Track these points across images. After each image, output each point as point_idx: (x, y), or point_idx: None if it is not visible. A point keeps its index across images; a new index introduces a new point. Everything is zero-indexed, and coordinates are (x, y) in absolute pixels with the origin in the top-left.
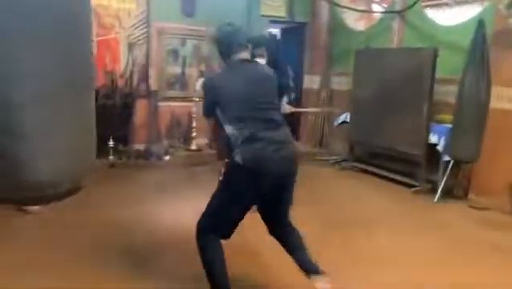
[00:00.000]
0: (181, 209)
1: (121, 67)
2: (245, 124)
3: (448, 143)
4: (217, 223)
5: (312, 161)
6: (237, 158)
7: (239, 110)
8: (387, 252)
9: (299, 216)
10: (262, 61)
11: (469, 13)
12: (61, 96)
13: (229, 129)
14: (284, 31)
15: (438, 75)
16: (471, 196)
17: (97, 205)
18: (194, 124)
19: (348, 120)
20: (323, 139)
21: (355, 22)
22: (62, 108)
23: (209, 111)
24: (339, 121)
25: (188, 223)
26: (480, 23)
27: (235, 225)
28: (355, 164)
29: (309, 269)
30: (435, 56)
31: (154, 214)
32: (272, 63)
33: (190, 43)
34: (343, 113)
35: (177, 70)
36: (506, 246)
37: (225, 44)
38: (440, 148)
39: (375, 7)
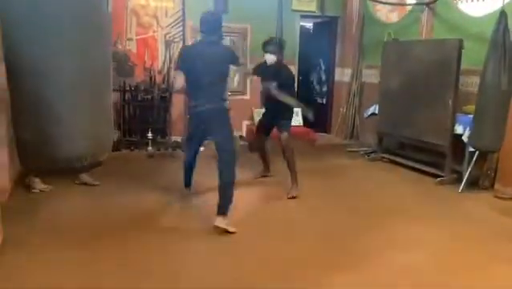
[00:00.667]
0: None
1: (159, 63)
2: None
3: (470, 133)
4: None
5: (343, 153)
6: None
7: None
8: (411, 239)
9: (327, 204)
10: (271, 57)
11: (496, 4)
12: (86, 94)
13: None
14: (316, 25)
15: (464, 66)
16: (497, 186)
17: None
18: None
19: (377, 111)
20: (353, 131)
21: (386, 15)
22: (88, 103)
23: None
24: (369, 113)
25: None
26: (502, 14)
27: None
28: (384, 155)
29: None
30: (460, 47)
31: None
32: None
33: (229, 38)
34: (372, 105)
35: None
36: None
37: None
38: (464, 138)
39: None
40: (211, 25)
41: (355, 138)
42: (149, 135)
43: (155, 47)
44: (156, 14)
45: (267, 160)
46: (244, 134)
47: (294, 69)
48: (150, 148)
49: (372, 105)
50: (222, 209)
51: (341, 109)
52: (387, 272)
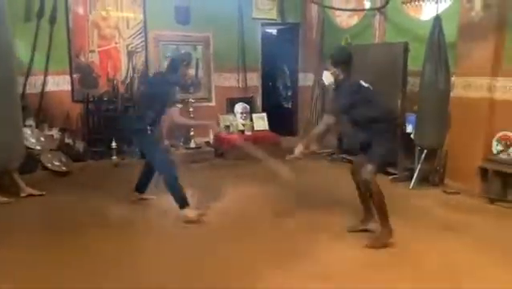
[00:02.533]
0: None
1: (122, 74)
2: None
3: (415, 131)
4: None
5: (307, 155)
6: None
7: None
8: (360, 234)
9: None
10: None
11: (440, 7)
12: None
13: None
14: (280, 31)
15: (413, 67)
16: (447, 181)
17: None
18: None
19: None
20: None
21: (343, 20)
22: None
23: None
24: None
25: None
26: (436, 18)
27: None
28: (344, 156)
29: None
30: (406, 50)
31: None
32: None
33: (199, 47)
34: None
35: (191, 72)
36: (463, 226)
37: None
38: (412, 136)
39: (367, 4)
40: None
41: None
42: (114, 144)
43: (117, 58)
44: (118, 25)
45: (367, 205)
46: (211, 141)
47: (257, 76)
48: (115, 157)
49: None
50: (177, 202)
51: (305, 113)
52: (338, 264)
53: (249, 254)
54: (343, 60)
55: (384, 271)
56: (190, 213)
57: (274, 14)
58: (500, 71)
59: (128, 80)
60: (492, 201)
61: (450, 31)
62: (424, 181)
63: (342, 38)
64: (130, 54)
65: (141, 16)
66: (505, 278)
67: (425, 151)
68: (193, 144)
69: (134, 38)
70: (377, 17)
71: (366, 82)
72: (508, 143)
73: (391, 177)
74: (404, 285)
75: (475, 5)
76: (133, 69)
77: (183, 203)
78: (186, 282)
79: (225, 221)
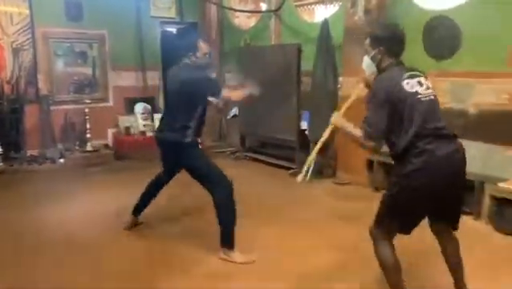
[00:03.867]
0: (65, 209)
1: (7, 73)
2: None
3: (308, 128)
4: None
5: (211, 154)
6: None
7: None
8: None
9: (183, 198)
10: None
11: (329, 11)
12: None
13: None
14: (180, 31)
15: (308, 67)
16: (339, 173)
17: None
18: (88, 126)
19: (237, 113)
20: (220, 132)
21: (242, 21)
22: None
23: None
24: (231, 114)
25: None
26: (324, 21)
27: None
28: (247, 153)
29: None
30: (299, 51)
31: (39, 217)
32: None
33: (96, 45)
34: (234, 107)
35: (88, 71)
36: (352, 215)
37: None
38: (307, 132)
39: (264, 6)
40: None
41: (222, 139)
42: None
43: (1, 56)
44: (1, 21)
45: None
46: (110, 142)
47: (158, 75)
48: (1, 163)
49: (234, 107)
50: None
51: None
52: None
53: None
54: (386, 35)
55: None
56: (238, 256)
57: (173, 13)
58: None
59: (14, 80)
60: (377, 189)
61: (338, 34)
62: (319, 173)
63: (241, 38)
64: (16, 52)
65: (27, 11)
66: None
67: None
68: (89, 147)
69: (19, 34)
70: (273, 19)
71: (264, 82)
72: None
73: (290, 171)
74: (324, 254)
75: (358, 10)
76: (19, 68)
77: (231, 242)
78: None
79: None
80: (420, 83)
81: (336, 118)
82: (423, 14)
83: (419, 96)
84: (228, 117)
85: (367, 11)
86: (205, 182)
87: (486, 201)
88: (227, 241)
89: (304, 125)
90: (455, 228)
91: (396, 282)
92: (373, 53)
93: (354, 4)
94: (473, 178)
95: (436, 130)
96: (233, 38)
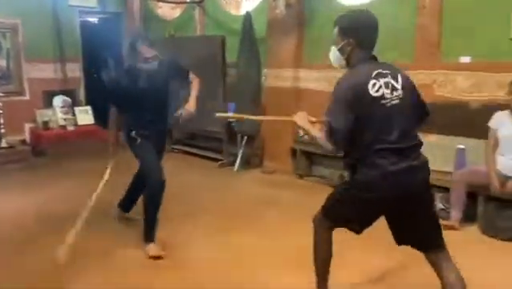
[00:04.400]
0: None
1: None
2: None
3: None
4: None
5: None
6: None
7: None
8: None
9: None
10: None
11: (252, 4)
12: None
13: None
14: (102, 20)
15: (233, 59)
16: (266, 163)
17: None
18: (2, 121)
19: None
20: None
21: (166, 12)
22: None
23: None
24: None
25: None
26: (247, 14)
27: None
28: (175, 146)
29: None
30: (223, 43)
31: None
32: None
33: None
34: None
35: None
36: (274, 201)
37: None
38: (234, 124)
39: None
40: None
41: None
42: None
43: None
44: None
45: None
46: (27, 138)
47: (78, 67)
48: None
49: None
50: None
51: None
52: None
53: None
54: (357, 25)
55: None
56: (153, 249)
57: (93, 2)
58: (302, 63)
59: None
60: (301, 176)
61: (262, 26)
62: (247, 163)
63: (166, 29)
64: None
65: None
66: (299, 231)
67: (245, 137)
68: (4, 144)
69: None
70: (197, 10)
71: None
72: None
73: (219, 163)
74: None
75: (279, 3)
76: None
77: (152, 235)
78: None
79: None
80: (386, 85)
81: (300, 117)
82: (340, 9)
83: (382, 102)
84: None
85: (288, 5)
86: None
87: None
88: (146, 233)
89: None
90: (439, 246)
91: (323, 272)
92: (341, 44)
93: None
94: None
95: (394, 143)
96: (157, 28)
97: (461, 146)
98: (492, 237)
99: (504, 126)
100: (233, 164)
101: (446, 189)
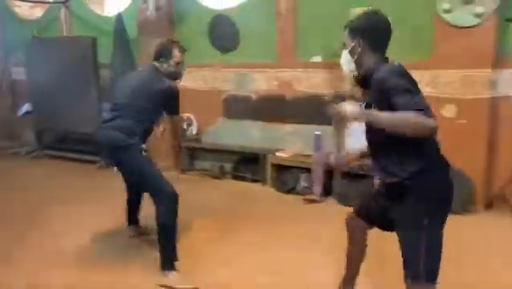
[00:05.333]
0: None
1: None
2: None
3: None
4: None
5: (3, 156)
6: None
7: None
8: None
9: None
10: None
11: (122, 4)
12: None
13: None
14: None
15: (106, 60)
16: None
17: None
18: None
19: (31, 109)
20: (11, 131)
21: (26, 11)
22: None
23: None
24: (23, 111)
25: None
26: (118, 16)
27: None
28: (47, 151)
29: None
30: (94, 44)
31: None
32: None
33: None
34: (25, 103)
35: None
36: None
37: None
38: None
39: None
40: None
41: (15, 139)
42: None
43: None
44: None
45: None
46: None
47: None
48: None
49: (25, 103)
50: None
51: None
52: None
53: None
54: (368, 26)
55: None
56: (176, 281)
57: None
58: None
59: None
60: (183, 171)
61: (133, 28)
62: None
63: (27, 30)
64: None
65: None
66: (186, 218)
67: None
68: None
69: None
70: (63, 10)
71: (59, 75)
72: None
73: (97, 164)
74: None
75: (150, 5)
76: None
77: (171, 262)
78: None
79: None
80: None
81: (350, 107)
82: (207, 12)
83: None
84: (19, 114)
85: (158, 7)
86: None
87: (268, 169)
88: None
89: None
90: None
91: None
92: (352, 46)
93: (145, 0)
94: (259, 152)
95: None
96: (17, 29)
97: (318, 132)
98: (346, 206)
99: None
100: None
101: (308, 170)
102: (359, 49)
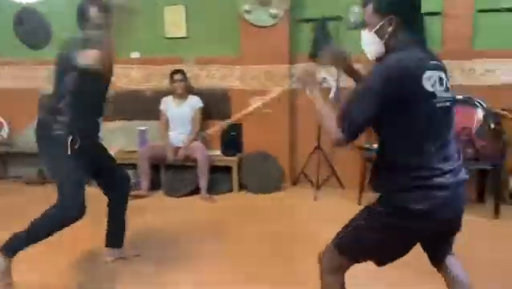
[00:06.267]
0: None
1: None
2: None
3: None
4: None
5: None
6: None
7: None
8: None
9: None
10: None
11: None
12: None
13: None
14: None
15: None
16: None
17: None
18: None
19: None
20: None
21: None
22: None
23: None
24: None
25: None
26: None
27: None
28: None
29: None
30: None
31: None
32: None
33: None
34: None
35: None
36: None
37: None
38: None
39: None
40: None
41: None
42: None
43: None
44: None
45: None
46: None
47: None
48: None
49: None
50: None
51: None
52: None
53: None
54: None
55: None
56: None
57: None
58: None
59: None
60: None
61: None
62: None
63: None
64: None
65: None
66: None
67: None
68: None
69: None
70: None
71: None
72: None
73: None
74: None
75: None
76: None
77: (13, 251)
78: None
79: None
80: (441, 81)
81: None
82: (12, 6)
83: (434, 101)
84: None
85: None
86: None
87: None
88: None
89: None
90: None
91: None
92: (380, 24)
93: None
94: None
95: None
96: None
97: (142, 128)
98: (173, 196)
99: (170, 108)
100: None
101: (134, 165)
102: (391, 28)
